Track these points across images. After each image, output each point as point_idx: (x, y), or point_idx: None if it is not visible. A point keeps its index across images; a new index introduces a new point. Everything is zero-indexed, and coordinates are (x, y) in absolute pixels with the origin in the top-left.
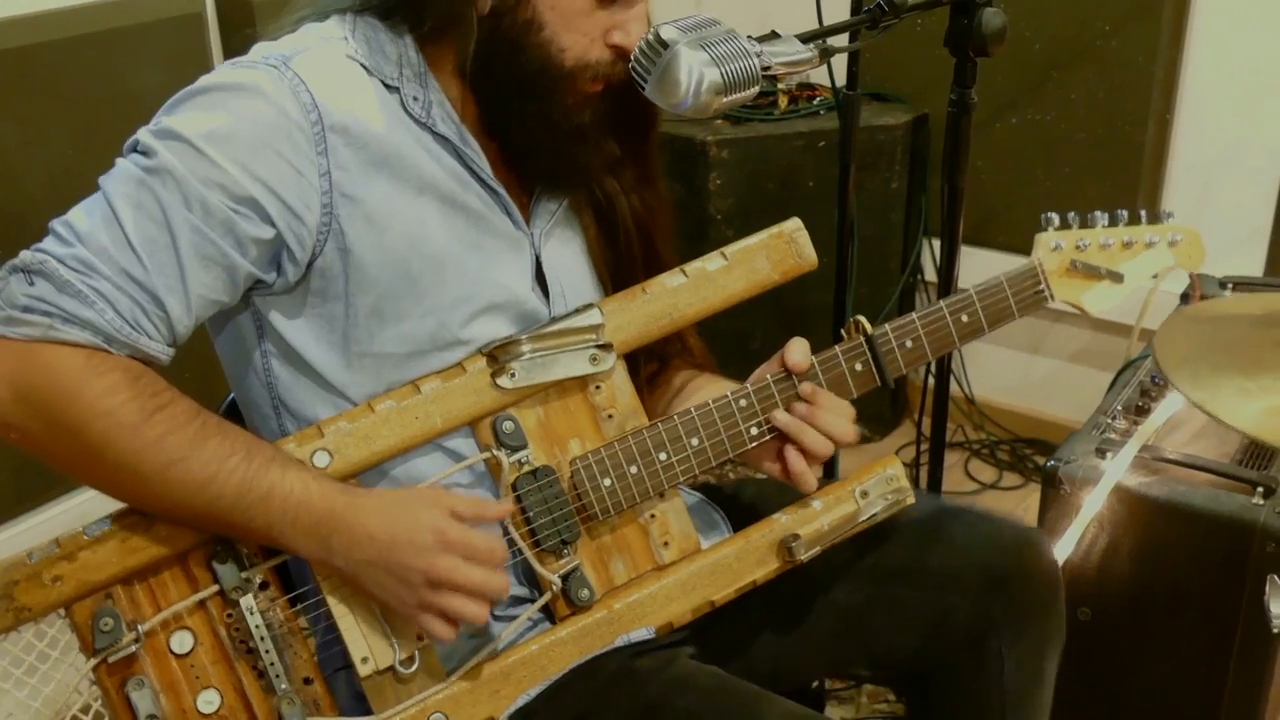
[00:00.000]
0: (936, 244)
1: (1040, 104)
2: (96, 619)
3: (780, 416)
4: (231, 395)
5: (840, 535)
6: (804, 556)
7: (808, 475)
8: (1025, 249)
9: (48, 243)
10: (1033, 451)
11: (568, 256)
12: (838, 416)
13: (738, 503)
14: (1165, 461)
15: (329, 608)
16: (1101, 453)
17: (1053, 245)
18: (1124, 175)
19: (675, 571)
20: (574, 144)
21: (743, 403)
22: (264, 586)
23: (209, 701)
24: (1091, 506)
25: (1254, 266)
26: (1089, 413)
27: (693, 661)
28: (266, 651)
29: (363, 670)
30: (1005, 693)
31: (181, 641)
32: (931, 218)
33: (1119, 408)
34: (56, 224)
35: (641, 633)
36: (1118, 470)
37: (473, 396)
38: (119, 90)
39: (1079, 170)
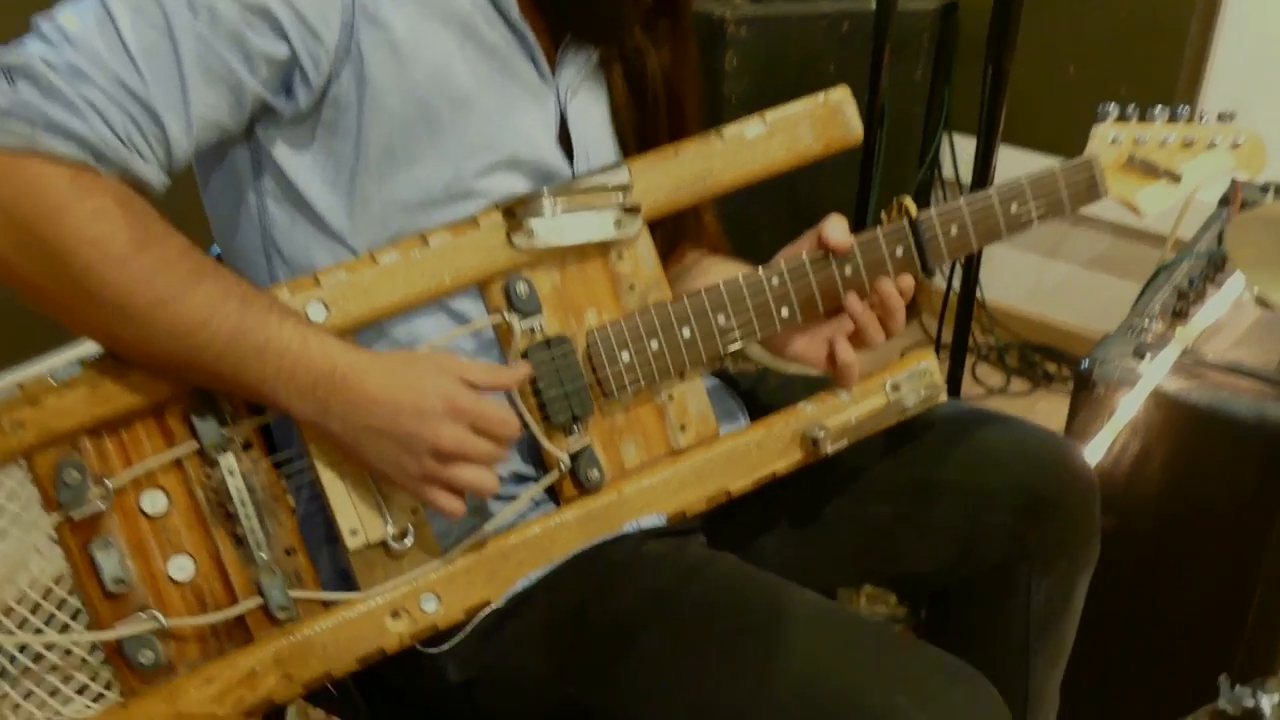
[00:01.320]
0: (958, 140)
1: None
2: (61, 471)
3: (855, 303)
4: (213, 250)
5: (868, 430)
6: (830, 449)
7: (855, 368)
8: (1055, 146)
9: (31, 42)
10: (1042, 358)
11: (594, 116)
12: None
13: (757, 397)
14: (1207, 366)
15: (316, 474)
16: (1140, 354)
17: (1110, 138)
18: (1161, 71)
19: (691, 457)
20: None
21: (775, 281)
22: (247, 446)
23: (181, 567)
24: (1127, 410)
25: None
26: (1102, 320)
27: (705, 548)
28: (247, 517)
29: (351, 543)
30: (1030, 620)
31: (154, 501)
32: (955, 111)
33: (1156, 310)
34: (41, 22)
35: (652, 519)
36: (1157, 373)
37: (485, 254)
38: None
39: (1113, 64)
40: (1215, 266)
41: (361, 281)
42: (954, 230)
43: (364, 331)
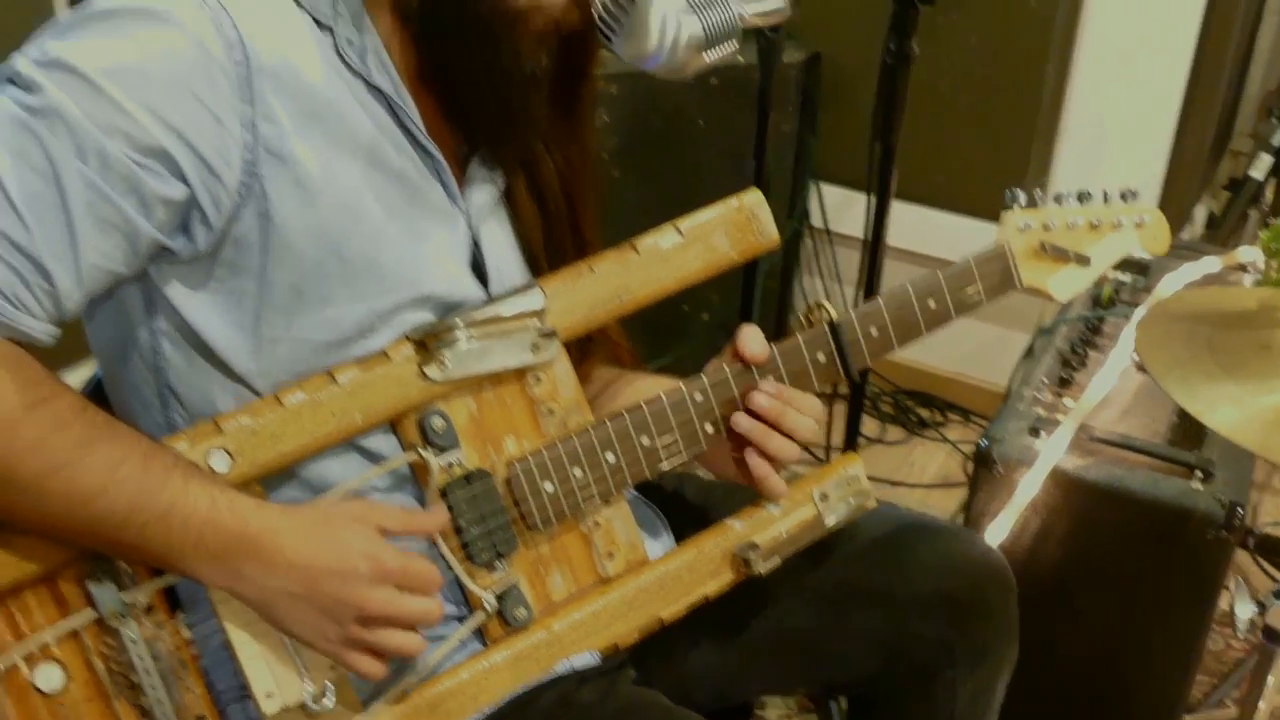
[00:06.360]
0: (825, 188)
1: (934, 46)
2: None
3: (742, 421)
4: (95, 376)
5: (800, 543)
6: (764, 569)
7: (773, 480)
8: (912, 196)
9: None
10: (915, 404)
11: (501, 236)
12: (804, 416)
13: (678, 503)
14: (1101, 442)
15: (227, 637)
16: (1035, 432)
17: (1021, 225)
18: (1018, 126)
19: (621, 586)
20: (526, 93)
21: (698, 397)
22: (148, 610)
23: None
24: (1027, 490)
25: None
26: (975, 364)
27: (637, 689)
28: (153, 687)
29: (267, 708)
30: None
31: (49, 677)
32: (821, 161)
33: (1043, 380)
34: None
35: (585, 657)
36: (1054, 452)
37: (397, 389)
38: None
39: (972, 118)
40: (1092, 329)
41: (267, 426)
42: (874, 331)
43: (271, 476)
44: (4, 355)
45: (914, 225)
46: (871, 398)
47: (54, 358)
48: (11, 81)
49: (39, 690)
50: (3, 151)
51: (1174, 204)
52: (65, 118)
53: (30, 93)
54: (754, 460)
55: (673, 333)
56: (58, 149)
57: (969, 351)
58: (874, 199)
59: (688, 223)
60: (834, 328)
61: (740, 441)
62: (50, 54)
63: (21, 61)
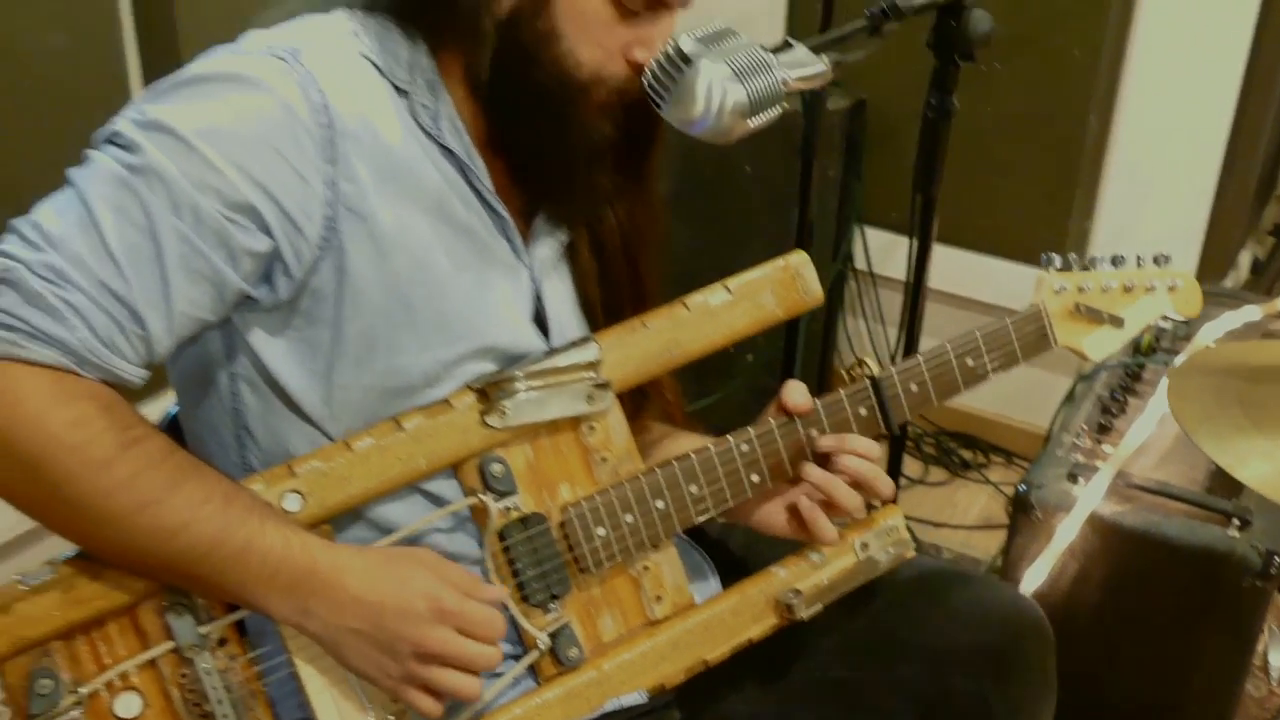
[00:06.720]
0: (869, 232)
1: (978, 93)
2: (33, 680)
3: (814, 472)
4: (171, 413)
5: (841, 590)
6: (805, 614)
7: (823, 523)
8: (957, 240)
9: (11, 244)
10: (958, 445)
11: (562, 289)
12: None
13: (725, 548)
14: (1139, 489)
15: (295, 670)
16: (1073, 478)
17: (1056, 287)
18: (1061, 172)
19: (668, 628)
20: (590, 161)
21: (744, 448)
22: (222, 643)
23: None
24: (1065, 535)
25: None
26: (1013, 406)
27: None
28: (224, 716)
29: None
30: None
31: (128, 704)
32: (865, 206)
33: (1083, 426)
34: (21, 224)
35: (633, 696)
36: (1092, 498)
37: (460, 436)
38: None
39: (1015, 164)
40: (1132, 376)
41: (337, 469)
42: (914, 387)
43: (339, 517)
44: (99, 396)
45: (957, 269)
46: (914, 439)
47: (131, 392)
48: (112, 142)
49: (118, 716)
50: (105, 207)
51: (1218, 250)
52: (162, 175)
53: (130, 152)
54: (806, 505)
55: (718, 373)
56: (155, 205)
57: (1011, 393)
58: (916, 244)
59: (736, 281)
60: (875, 383)
61: (787, 492)
62: (149, 115)
63: (122, 123)
